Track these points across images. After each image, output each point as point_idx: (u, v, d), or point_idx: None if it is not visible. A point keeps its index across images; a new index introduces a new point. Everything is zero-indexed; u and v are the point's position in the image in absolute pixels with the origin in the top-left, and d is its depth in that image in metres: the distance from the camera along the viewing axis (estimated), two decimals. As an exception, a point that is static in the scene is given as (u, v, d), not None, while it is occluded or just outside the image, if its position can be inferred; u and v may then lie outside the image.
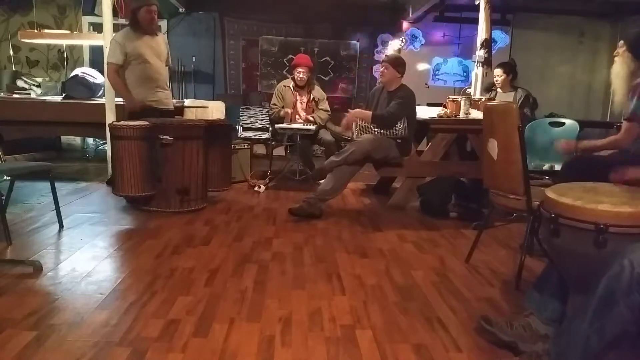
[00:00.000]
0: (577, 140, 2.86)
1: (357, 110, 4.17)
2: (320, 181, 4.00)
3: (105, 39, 4.55)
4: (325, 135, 4.91)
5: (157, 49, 4.12)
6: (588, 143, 2.81)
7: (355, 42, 7.69)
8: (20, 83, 5.91)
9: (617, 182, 2.00)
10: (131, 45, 3.96)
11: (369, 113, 3.94)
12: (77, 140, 7.05)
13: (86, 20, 7.17)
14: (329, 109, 5.20)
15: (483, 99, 4.59)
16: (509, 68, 4.86)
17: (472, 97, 4.67)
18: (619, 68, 2.69)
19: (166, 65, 4.28)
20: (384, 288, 2.46)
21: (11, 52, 6.86)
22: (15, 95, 5.49)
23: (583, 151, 2.78)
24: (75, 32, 6.47)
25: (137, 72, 4.03)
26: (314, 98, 5.16)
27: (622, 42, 2.70)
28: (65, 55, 6.99)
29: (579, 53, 7.71)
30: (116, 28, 4.60)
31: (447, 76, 7.69)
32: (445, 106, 4.42)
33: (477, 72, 5.16)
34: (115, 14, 4.70)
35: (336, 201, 4.18)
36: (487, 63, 5.04)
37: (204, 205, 3.93)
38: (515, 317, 1.93)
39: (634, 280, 1.38)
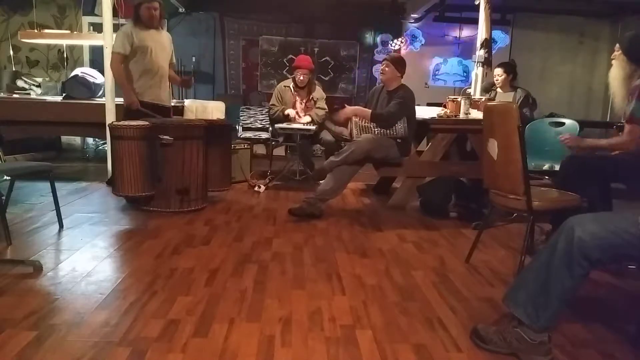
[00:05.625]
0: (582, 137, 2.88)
1: (357, 107, 4.16)
2: (320, 181, 4.00)
3: (105, 39, 4.55)
4: (325, 135, 4.91)
5: (162, 43, 4.16)
6: (592, 141, 2.83)
7: (355, 42, 7.69)
8: (20, 83, 5.91)
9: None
10: (138, 37, 4.00)
11: (369, 111, 3.95)
12: (77, 140, 7.05)
13: (86, 20, 7.18)
14: (326, 107, 5.20)
15: (483, 99, 4.59)
16: (510, 68, 4.85)
17: (472, 97, 4.67)
18: (616, 71, 2.72)
19: (170, 63, 4.30)
20: (384, 288, 2.46)
21: (11, 52, 6.86)
22: (15, 95, 5.49)
23: (587, 148, 2.80)
24: (75, 32, 6.46)
25: (141, 64, 4.06)
26: (312, 97, 5.17)
27: (617, 45, 2.72)
28: (65, 55, 6.99)
29: (579, 53, 7.72)
30: (116, 28, 4.59)
31: (447, 76, 7.70)
32: (445, 106, 4.42)
33: (477, 72, 5.16)
34: (115, 14, 4.70)
35: (336, 201, 4.18)
36: (487, 63, 5.04)
37: (204, 205, 3.93)
38: (504, 327, 1.89)
39: None
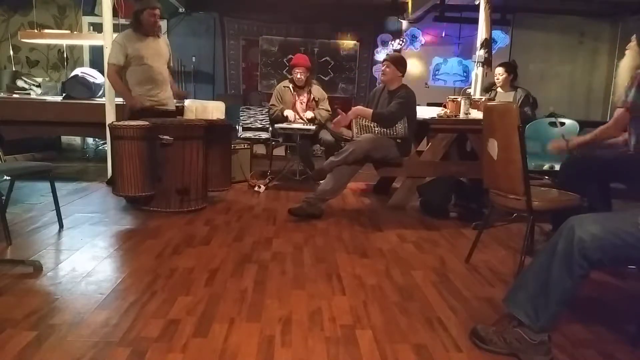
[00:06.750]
0: (567, 139, 2.87)
1: (358, 107, 4.16)
2: (320, 181, 4.00)
3: (105, 39, 4.55)
4: (325, 135, 4.91)
5: (159, 50, 4.12)
6: (577, 139, 2.82)
7: (355, 42, 7.69)
8: (20, 83, 5.91)
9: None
10: (132, 47, 3.96)
11: (370, 110, 3.95)
12: (77, 140, 7.05)
13: (86, 20, 7.18)
14: (329, 108, 5.20)
15: (483, 99, 4.59)
16: (511, 68, 4.86)
17: (472, 97, 4.67)
18: (626, 61, 2.73)
19: (168, 67, 4.27)
20: (384, 288, 2.46)
21: (11, 52, 6.86)
22: (15, 95, 5.49)
23: (576, 148, 2.80)
24: (75, 32, 6.47)
25: (138, 74, 4.04)
26: (314, 98, 5.17)
27: (634, 36, 2.73)
28: (65, 55, 6.99)
29: (579, 53, 7.72)
30: (116, 28, 4.60)
31: (447, 76, 7.70)
32: (445, 106, 4.42)
33: (477, 72, 5.16)
34: (115, 14, 4.70)
35: (336, 201, 4.18)
36: (487, 63, 5.04)
37: (204, 205, 3.93)
38: (504, 327, 1.89)
39: None
